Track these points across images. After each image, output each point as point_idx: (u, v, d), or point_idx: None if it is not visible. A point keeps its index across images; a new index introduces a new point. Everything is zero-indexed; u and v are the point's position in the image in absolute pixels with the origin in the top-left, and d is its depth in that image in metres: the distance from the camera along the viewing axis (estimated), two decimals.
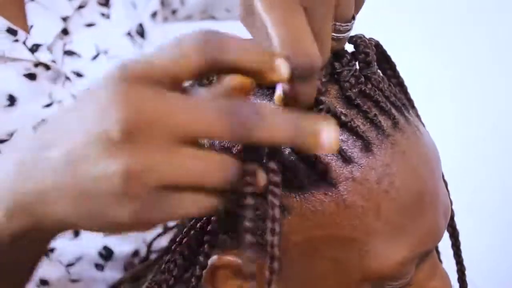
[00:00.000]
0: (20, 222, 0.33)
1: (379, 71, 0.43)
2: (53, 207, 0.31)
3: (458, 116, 1.06)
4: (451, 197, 0.47)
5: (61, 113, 0.33)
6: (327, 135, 0.30)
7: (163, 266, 0.44)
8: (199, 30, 0.30)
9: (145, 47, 0.72)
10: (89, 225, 0.31)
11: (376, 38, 0.44)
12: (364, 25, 0.51)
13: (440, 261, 0.49)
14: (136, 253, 0.70)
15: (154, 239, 0.63)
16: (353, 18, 0.39)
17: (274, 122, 0.30)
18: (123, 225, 0.30)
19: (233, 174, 0.30)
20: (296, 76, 0.32)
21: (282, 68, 0.31)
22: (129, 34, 0.69)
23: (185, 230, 0.44)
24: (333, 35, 0.38)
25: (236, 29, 0.37)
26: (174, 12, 0.79)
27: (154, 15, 0.75)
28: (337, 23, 0.37)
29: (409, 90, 0.47)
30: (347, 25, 0.38)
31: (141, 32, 0.72)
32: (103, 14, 0.68)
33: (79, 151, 0.29)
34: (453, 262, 0.50)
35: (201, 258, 0.42)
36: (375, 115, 0.40)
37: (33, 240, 0.35)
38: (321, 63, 0.34)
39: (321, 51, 0.34)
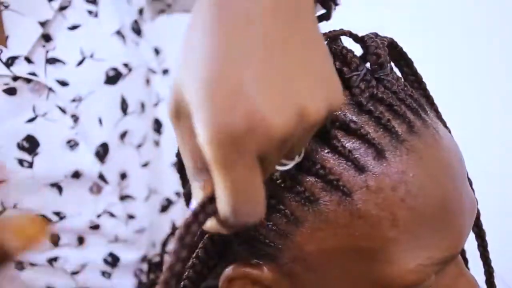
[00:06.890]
0: None
1: (394, 71, 0.42)
2: None
3: (482, 113, 1.02)
4: (476, 196, 0.44)
5: None
6: None
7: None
8: None
9: (141, 45, 0.69)
10: None
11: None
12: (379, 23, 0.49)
13: (466, 262, 0.48)
14: (144, 258, 0.68)
15: (166, 239, 0.62)
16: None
17: None
18: None
19: None
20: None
21: None
22: (118, 32, 0.66)
23: (201, 241, 0.43)
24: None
25: None
26: (169, 5, 0.76)
27: (141, 11, 0.71)
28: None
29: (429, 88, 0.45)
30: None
31: (137, 29, 0.69)
32: (90, 12, 0.64)
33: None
34: (480, 263, 0.48)
35: (218, 270, 0.42)
36: (388, 120, 0.38)
37: None
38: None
39: None
